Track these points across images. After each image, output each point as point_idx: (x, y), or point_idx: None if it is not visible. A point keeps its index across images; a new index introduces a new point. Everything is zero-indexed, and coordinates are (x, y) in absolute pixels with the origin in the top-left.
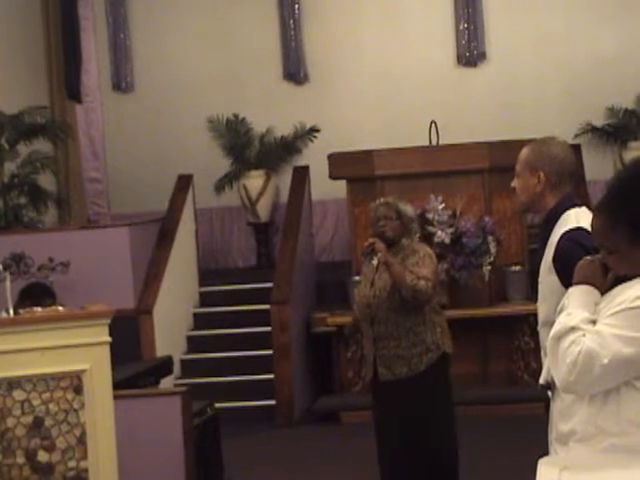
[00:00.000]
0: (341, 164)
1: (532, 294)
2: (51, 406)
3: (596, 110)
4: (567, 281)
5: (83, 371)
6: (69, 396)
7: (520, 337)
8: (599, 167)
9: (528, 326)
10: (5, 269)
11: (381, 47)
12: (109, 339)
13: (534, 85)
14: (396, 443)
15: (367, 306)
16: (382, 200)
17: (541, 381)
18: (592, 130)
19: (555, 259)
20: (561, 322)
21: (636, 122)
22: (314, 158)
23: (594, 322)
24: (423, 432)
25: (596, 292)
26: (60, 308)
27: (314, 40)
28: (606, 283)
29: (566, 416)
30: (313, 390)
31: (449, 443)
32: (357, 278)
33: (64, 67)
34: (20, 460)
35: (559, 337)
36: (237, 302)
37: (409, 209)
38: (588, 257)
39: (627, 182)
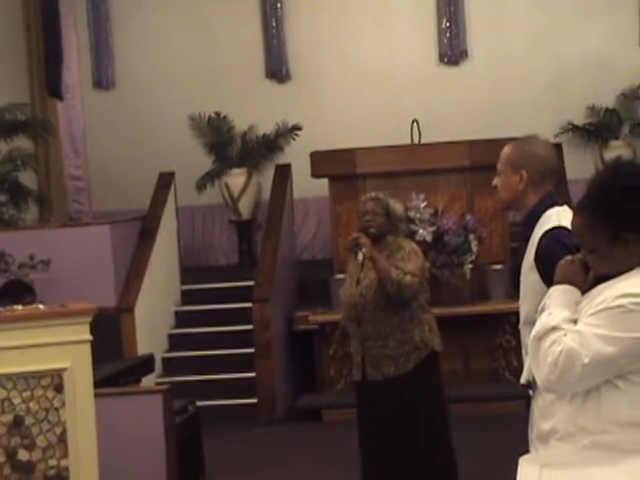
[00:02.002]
0: (323, 162)
1: (514, 292)
2: (31, 405)
3: (577, 109)
4: (548, 279)
5: (64, 369)
6: (50, 394)
7: (501, 335)
8: (580, 166)
9: (509, 324)
10: None
11: (363, 45)
12: (90, 337)
13: (515, 84)
14: (385, 444)
15: (353, 306)
16: (373, 194)
17: (522, 380)
18: (573, 129)
19: (537, 258)
20: (542, 322)
21: (617, 121)
22: (296, 156)
23: (575, 322)
24: (412, 432)
25: (577, 291)
26: (41, 306)
27: (296, 38)
28: (587, 282)
29: (547, 415)
30: (295, 388)
31: (443, 443)
32: (340, 276)
33: (45, 64)
34: (0, 459)
35: (540, 337)
36: (219, 300)
37: (399, 207)
38: (569, 257)
39: (607, 181)
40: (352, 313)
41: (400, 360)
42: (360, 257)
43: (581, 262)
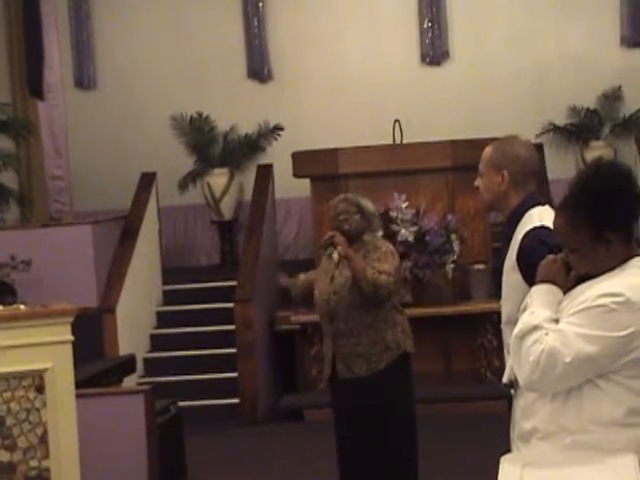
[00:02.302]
0: (305, 162)
1: (495, 292)
2: (12, 405)
3: (558, 109)
4: (530, 279)
5: (45, 370)
6: (31, 395)
7: (483, 335)
8: (561, 166)
9: (491, 324)
10: None
11: (345, 46)
12: (72, 338)
13: (497, 85)
14: (354, 442)
15: (326, 302)
16: (341, 196)
17: (504, 380)
18: (554, 129)
19: (519, 257)
20: (524, 321)
21: (597, 122)
22: (278, 156)
23: (557, 321)
24: (382, 432)
25: (558, 291)
26: (22, 306)
27: (278, 38)
28: (568, 282)
29: (528, 414)
30: (277, 388)
31: (408, 444)
32: (312, 272)
33: (26, 64)
34: None
35: (522, 336)
36: (201, 300)
37: (369, 204)
38: (550, 256)
39: (589, 181)
40: (325, 309)
41: (372, 359)
42: (335, 256)
43: (563, 262)
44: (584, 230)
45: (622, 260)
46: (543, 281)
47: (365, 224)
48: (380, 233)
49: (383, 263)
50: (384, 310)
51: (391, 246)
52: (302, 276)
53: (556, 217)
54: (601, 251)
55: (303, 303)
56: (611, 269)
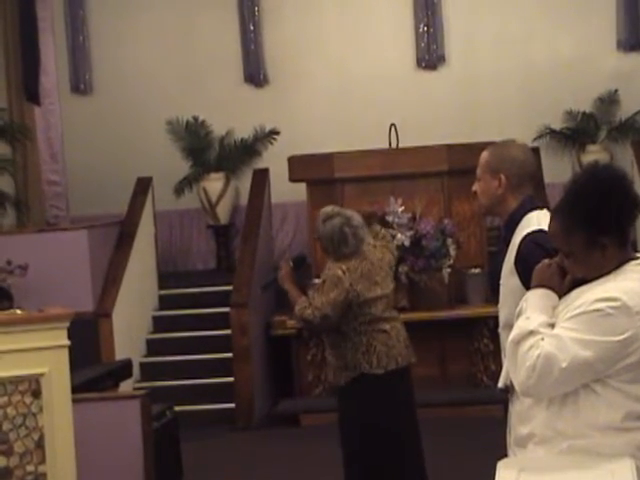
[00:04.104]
0: (301, 167)
1: (492, 296)
2: (9, 410)
3: (555, 113)
4: (528, 283)
5: (41, 375)
6: (27, 400)
7: (479, 339)
8: (558, 170)
9: (487, 329)
10: None
11: (341, 50)
12: (68, 342)
13: (493, 89)
14: (340, 443)
15: None
16: (328, 212)
17: (500, 385)
18: (551, 133)
19: (517, 261)
20: (520, 326)
21: (594, 125)
22: (274, 161)
23: (552, 326)
24: (348, 441)
25: (554, 295)
26: (18, 311)
27: (274, 43)
28: (564, 286)
29: (525, 419)
30: (273, 393)
31: (355, 461)
32: (317, 281)
33: (22, 69)
34: None
35: (518, 341)
36: (197, 305)
37: (327, 229)
38: (545, 260)
39: (584, 185)
40: None
41: (335, 372)
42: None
43: (558, 266)
44: (579, 235)
45: (617, 264)
46: (538, 285)
47: (327, 249)
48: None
49: (318, 295)
50: (342, 334)
51: (339, 272)
52: None
53: (551, 221)
54: (596, 255)
55: None
56: (607, 273)
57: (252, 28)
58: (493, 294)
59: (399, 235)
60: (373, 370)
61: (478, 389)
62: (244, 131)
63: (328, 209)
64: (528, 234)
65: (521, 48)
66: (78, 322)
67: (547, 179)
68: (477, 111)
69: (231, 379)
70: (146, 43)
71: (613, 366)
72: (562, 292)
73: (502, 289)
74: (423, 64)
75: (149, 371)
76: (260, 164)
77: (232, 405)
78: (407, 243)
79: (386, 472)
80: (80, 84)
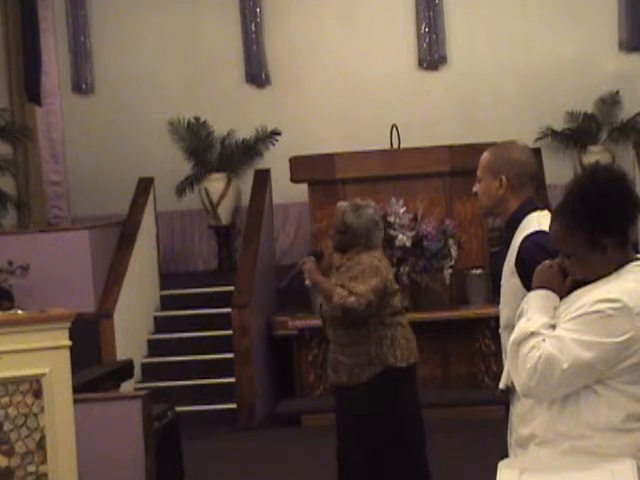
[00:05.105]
0: (302, 167)
1: (493, 297)
2: (10, 410)
3: (556, 114)
4: (529, 284)
5: (43, 375)
6: (28, 400)
7: (481, 340)
8: (559, 171)
9: (489, 329)
10: None
11: (343, 51)
12: (69, 343)
13: (495, 89)
14: (342, 447)
15: (320, 306)
16: (346, 206)
17: (501, 386)
18: (552, 134)
19: (517, 262)
20: (521, 327)
21: (595, 126)
22: (275, 161)
23: (554, 327)
24: (353, 441)
25: (555, 296)
26: (19, 312)
27: (276, 43)
28: (565, 287)
29: (526, 420)
30: (274, 393)
31: (374, 460)
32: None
33: (24, 69)
34: None
35: (519, 342)
36: (198, 305)
37: (363, 220)
38: (546, 262)
39: (585, 186)
40: (320, 313)
41: (355, 370)
42: (308, 282)
43: (559, 267)
44: (579, 235)
45: (618, 265)
46: (539, 286)
47: (351, 241)
48: (376, 242)
49: (358, 283)
50: (367, 326)
51: (376, 260)
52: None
53: (552, 222)
54: (597, 256)
55: None
56: (607, 274)
57: (254, 29)
58: (494, 295)
59: (400, 236)
60: (397, 363)
61: (479, 390)
62: (246, 131)
63: (356, 200)
64: (529, 235)
65: (522, 49)
66: (79, 322)
67: (548, 180)
68: (478, 112)
69: (232, 379)
70: (147, 43)
71: (614, 367)
72: (563, 293)
73: (503, 290)
74: (424, 65)
75: (150, 371)
76: (261, 164)
77: (233, 405)
78: (408, 244)
79: (407, 466)
80: (81, 84)
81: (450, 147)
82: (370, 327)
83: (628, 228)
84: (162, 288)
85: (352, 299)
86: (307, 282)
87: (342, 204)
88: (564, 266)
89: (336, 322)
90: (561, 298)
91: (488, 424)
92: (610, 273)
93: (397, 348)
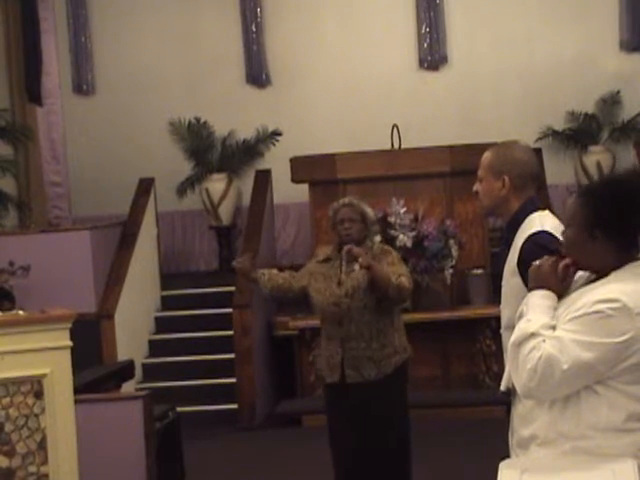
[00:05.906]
0: (303, 168)
1: (494, 297)
2: (11, 411)
3: (557, 114)
4: None
5: (44, 376)
6: (29, 401)
7: (482, 340)
8: (560, 171)
9: (490, 329)
10: None
11: (343, 51)
12: (70, 343)
13: (495, 89)
14: (358, 445)
15: (336, 305)
16: (346, 201)
17: (502, 388)
18: (553, 134)
19: (519, 262)
20: (521, 328)
21: (596, 126)
22: (276, 162)
23: (554, 327)
24: (384, 433)
25: (553, 295)
26: (20, 312)
27: (276, 44)
28: (565, 282)
29: (527, 421)
30: (275, 394)
31: (405, 444)
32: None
33: (24, 69)
34: None
35: (519, 343)
36: (199, 306)
37: (370, 211)
38: (537, 262)
39: (611, 179)
40: (334, 312)
41: (382, 363)
42: (357, 267)
43: (553, 263)
44: (584, 216)
45: (618, 264)
46: (536, 286)
47: (366, 231)
48: (378, 238)
49: (398, 266)
50: (392, 314)
51: (394, 251)
52: (264, 272)
53: (575, 199)
54: (588, 243)
55: (273, 298)
56: (607, 274)
57: (254, 29)
58: (495, 295)
59: (401, 236)
60: (409, 351)
61: (480, 390)
62: (246, 132)
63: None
64: (531, 235)
65: (523, 49)
66: (80, 323)
67: (549, 180)
68: (479, 112)
69: (233, 380)
70: (148, 43)
71: (614, 367)
72: (560, 290)
73: (504, 290)
74: (425, 65)
75: (151, 372)
76: (262, 165)
77: (234, 406)
78: (409, 244)
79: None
80: (82, 84)
81: (451, 147)
82: (394, 315)
83: (628, 228)
84: (163, 288)
85: (403, 279)
86: (356, 267)
87: (341, 201)
88: (557, 264)
89: (366, 313)
90: (559, 295)
91: (489, 424)
92: (609, 273)
93: (405, 337)
